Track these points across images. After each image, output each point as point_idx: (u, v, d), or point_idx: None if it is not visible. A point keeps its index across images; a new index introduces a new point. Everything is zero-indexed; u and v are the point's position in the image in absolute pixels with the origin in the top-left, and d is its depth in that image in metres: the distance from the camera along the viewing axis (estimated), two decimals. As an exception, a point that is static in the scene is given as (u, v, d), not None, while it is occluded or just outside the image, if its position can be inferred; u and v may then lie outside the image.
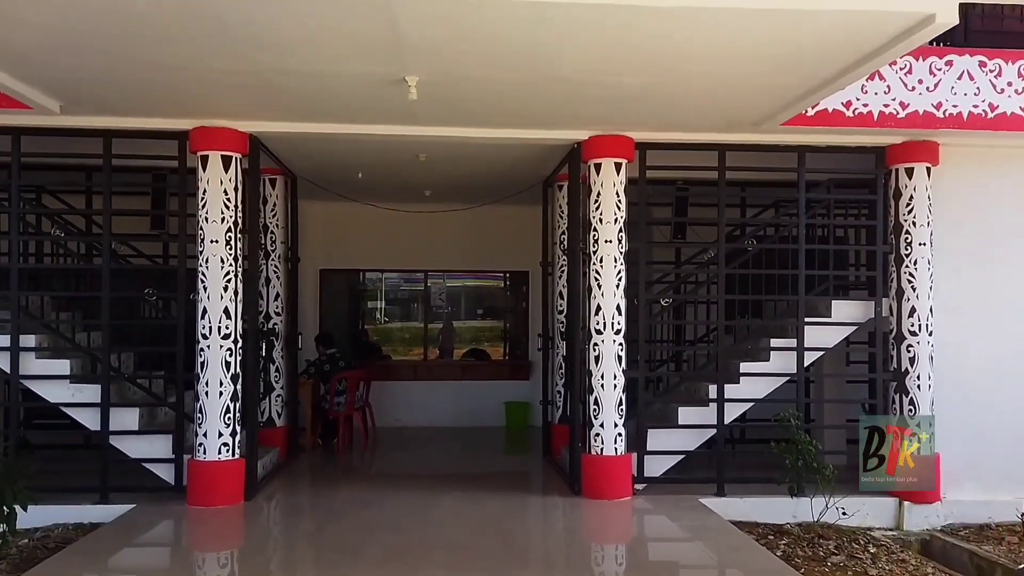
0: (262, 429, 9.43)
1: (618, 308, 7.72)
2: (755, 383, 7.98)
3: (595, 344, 7.71)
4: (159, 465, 7.56)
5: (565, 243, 9.80)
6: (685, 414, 7.99)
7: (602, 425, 7.65)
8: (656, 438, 7.86)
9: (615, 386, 7.67)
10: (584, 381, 7.89)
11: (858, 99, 7.48)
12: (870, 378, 9.00)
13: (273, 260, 9.67)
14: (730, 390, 7.89)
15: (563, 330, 9.78)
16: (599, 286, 7.73)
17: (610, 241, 7.73)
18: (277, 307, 9.65)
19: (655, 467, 7.84)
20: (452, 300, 16.44)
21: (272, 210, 9.72)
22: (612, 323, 7.68)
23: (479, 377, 12.50)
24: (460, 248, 12.49)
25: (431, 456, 10.69)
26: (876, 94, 7.49)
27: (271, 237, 9.68)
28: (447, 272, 12.88)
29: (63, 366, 7.61)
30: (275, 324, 9.59)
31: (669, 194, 9.50)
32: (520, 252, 12.42)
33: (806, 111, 7.28)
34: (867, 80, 7.40)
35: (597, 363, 7.69)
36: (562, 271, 9.85)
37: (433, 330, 14.42)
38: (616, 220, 7.76)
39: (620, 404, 7.68)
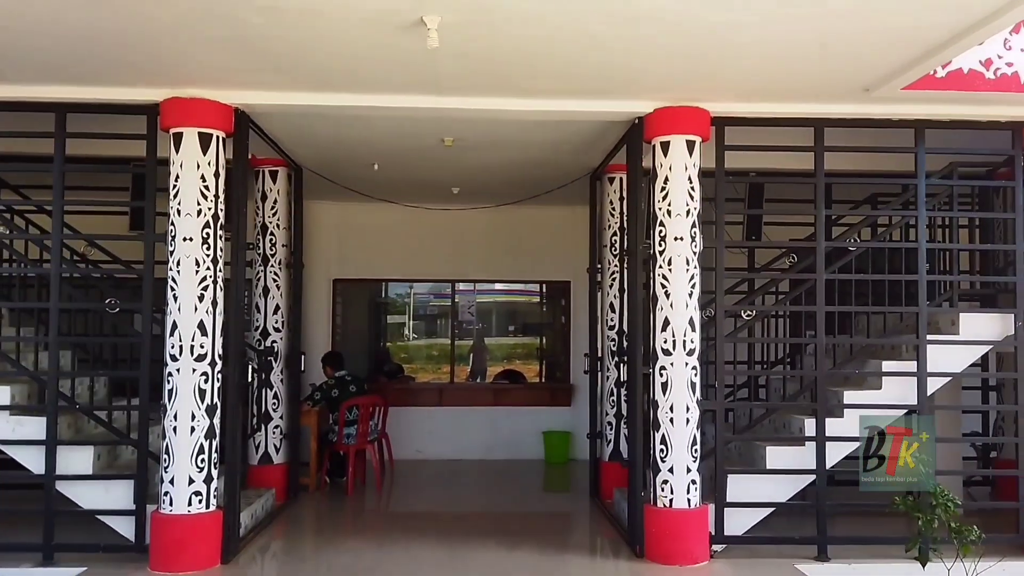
0: (256, 467, 7.94)
1: (691, 323, 6.08)
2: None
3: (662, 368, 6.08)
4: (118, 518, 6.02)
5: (617, 245, 8.23)
6: (775, 456, 6.31)
7: (671, 470, 5.99)
8: (738, 486, 6.18)
9: (687, 420, 6.02)
10: (647, 413, 6.24)
11: (1000, 56, 5.82)
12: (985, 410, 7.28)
13: (273, 266, 8.16)
14: (832, 426, 6.20)
15: (615, 349, 8.16)
16: (666, 295, 6.10)
17: (681, 239, 6.10)
18: (277, 322, 8.12)
19: (737, 523, 6.15)
20: (483, 316, 14.89)
21: (272, 208, 8.22)
22: (684, 341, 6.04)
23: (514, 403, 10.86)
24: (492, 256, 10.91)
25: (457, 496, 9.06)
26: (1024, 50, 5.84)
27: (271, 240, 8.17)
28: (477, 283, 11.23)
29: (3, 394, 6.10)
30: (274, 342, 8.07)
31: (738, 187, 7.86)
32: (560, 260, 10.83)
33: (935, 71, 5.64)
34: (1010, 32, 5.76)
35: (664, 391, 6.05)
36: (613, 279, 8.26)
37: (462, 348, 12.86)
38: (688, 213, 6.13)
39: (694, 443, 6.03)
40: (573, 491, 9.45)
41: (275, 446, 8.02)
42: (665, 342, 6.07)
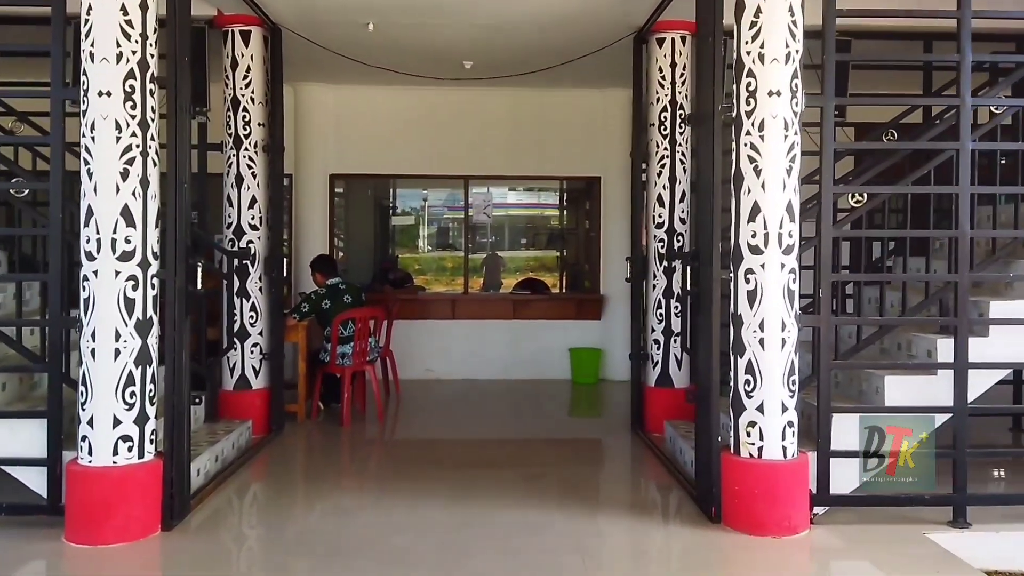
0: (231, 393, 6.33)
1: (789, 209, 4.29)
2: (1016, 336, 4.55)
3: (748, 272, 4.31)
4: (25, 469, 4.40)
5: (668, 124, 6.41)
6: (897, 387, 4.55)
7: (760, 408, 4.27)
8: (846, 428, 4.47)
9: (783, 341, 4.27)
10: (730, 332, 4.50)
11: None
12: None
13: (247, 150, 6.36)
14: (974, 347, 4.46)
15: (664, 252, 6.41)
16: (756, 172, 4.29)
17: (777, 93, 4.25)
18: (253, 218, 6.36)
19: (844, 479, 4.46)
20: (497, 231, 13.16)
21: (245, 78, 6.37)
22: (780, 235, 4.26)
23: (536, 316, 9.15)
24: (511, 150, 9.04)
25: (471, 426, 7.38)
26: None
27: (243, 117, 6.35)
28: (494, 180, 9.39)
29: None
30: (250, 242, 6.33)
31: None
32: (590, 153, 9.02)
33: None
34: None
35: (752, 303, 4.29)
36: (662, 166, 6.46)
37: (475, 260, 11.14)
38: (789, 58, 4.26)
39: (791, 372, 4.32)
40: (606, 417, 7.82)
41: (253, 368, 6.37)
42: (753, 236, 4.29)
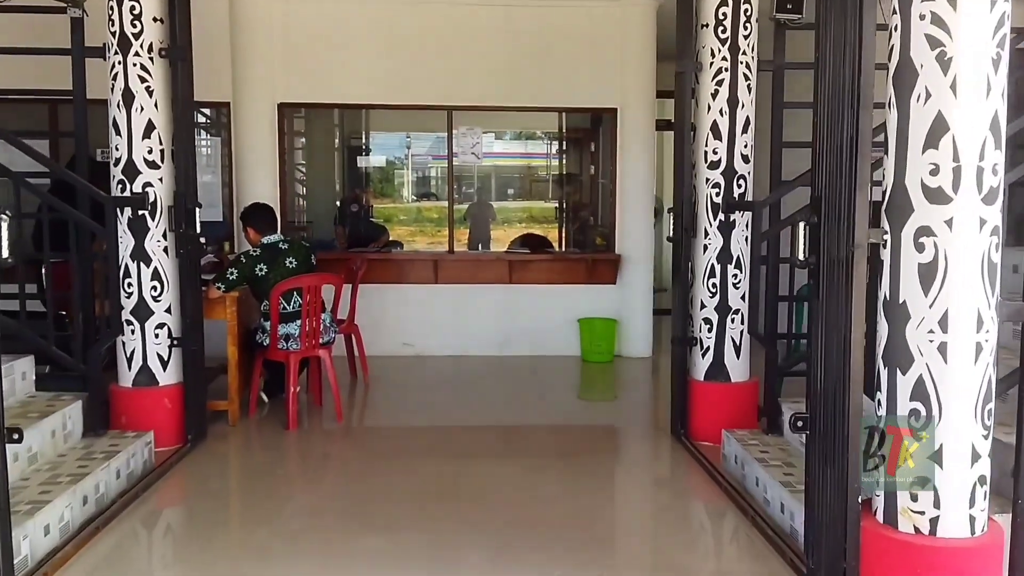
0: (129, 391, 4.54)
1: (996, 129, 2.49)
2: None
3: (921, 232, 2.52)
4: None
5: (728, 24, 4.56)
6: None
7: (936, 456, 2.53)
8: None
9: (979, 349, 2.51)
10: (878, 331, 2.72)
11: None
12: None
13: (139, 55, 4.44)
14: None
15: (721, 199, 4.61)
16: (941, 62, 2.47)
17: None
18: (151, 151, 4.48)
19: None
20: (483, 179, 11.33)
21: (138, -43, 4.43)
22: (981, 172, 2.47)
23: (537, 279, 7.32)
24: (505, 76, 7.12)
25: (457, 414, 5.69)
26: None
27: (131, 9, 4.42)
28: (483, 110, 7.44)
29: None
30: (147, 185, 4.46)
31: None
32: (602, 79, 7.12)
33: None
34: None
35: (929, 284, 2.51)
36: (718, 83, 4.62)
37: (460, 211, 9.30)
38: None
39: (987, 400, 2.56)
40: (626, 408, 6.10)
41: (160, 357, 4.56)
42: (933, 173, 2.49)
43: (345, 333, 6.15)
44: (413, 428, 5.50)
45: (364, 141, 10.12)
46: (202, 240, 4.76)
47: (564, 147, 10.16)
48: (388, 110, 8.04)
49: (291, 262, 5.18)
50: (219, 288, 5.00)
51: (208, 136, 7.42)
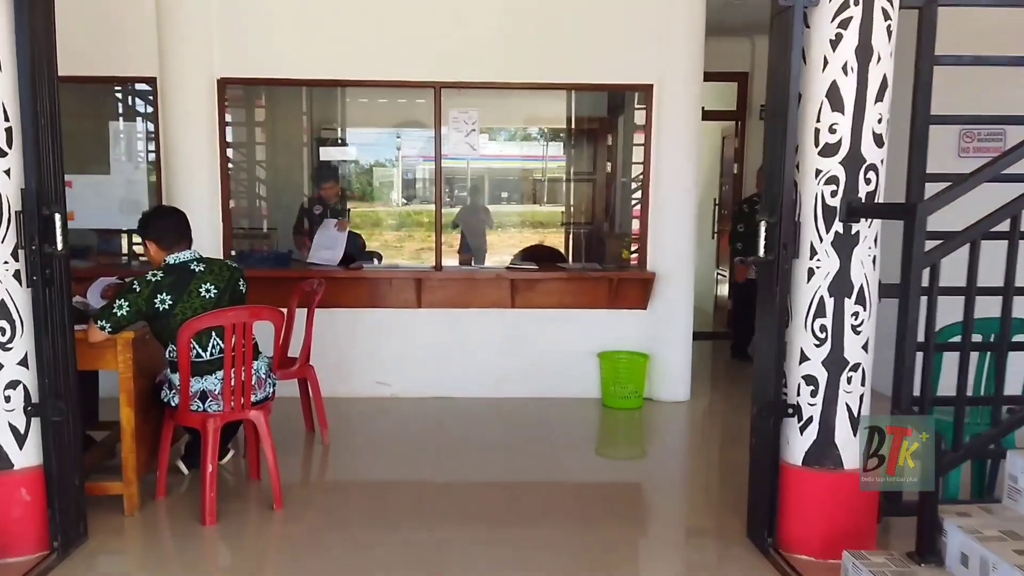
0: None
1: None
2: None
3: None
4: None
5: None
6: None
7: None
8: None
9: None
10: None
11: None
12: None
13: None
14: None
15: (841, 200, 3.03)
16: None
17: None
18: (-20, 126, 2.89)
19: None
20: (476, 181, 9.85)
21: None
22: None
23: (547, 302, 5.69)
24: (505, 41, 5.56)
25: (432, 502, 3.99)
26: None
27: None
28: (480, 87, 5.81)
29: None
30: (-25, 178, 2.86)
31: None
32: (633, 47, 5.56)
33: None
34: None
35: None
36: (844, 23, 3.02)
37: (449, 216, 7.75)
38: None
39: None
40: (661, 472, 4.53)
41: (13, 429, 2.99)
42: None
43: (298, 377, 4.56)
44: (381, 498, 3.93)
45: (340, 133, 8.52)
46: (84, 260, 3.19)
47: (572, 140, 8.60)
48: (360, 87, 6.44)
49: (208, 290, 3.55)
50: (103, 328, 3.39)
51: (143, 121, 5.83)
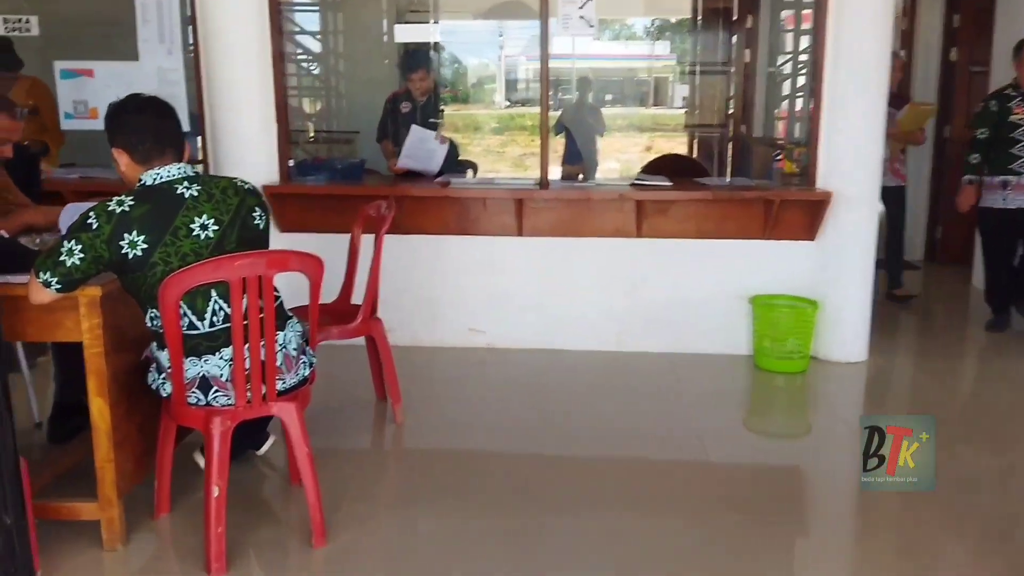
0: None
1: None
2: None
3: None
4: None
5: None
6: None
7: None
8: None
9: None
10: None
11: None
12: None
13: None
14: None
15: None
16: None
17: None
18: None
19: None
20: (581, 82, 8.26)
21: None
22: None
23: (683, 230, 4.28)
24: None
25: (544, 444, 2.95)
26: None
27: None
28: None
29: None
30: None
31: None
32: None
33: None
34: None
35: None
36: None
37: (553, 119, 6.23)
38: None
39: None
40: (834, 478, 3.13)
41: None
42: None
43: (361, 335, 3.32)
44: (471, 474, 2.97)
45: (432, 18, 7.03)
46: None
47: (699, 26, 6.89)
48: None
49: (204, 226, 2.27)
50: (47, 284, 2.19)
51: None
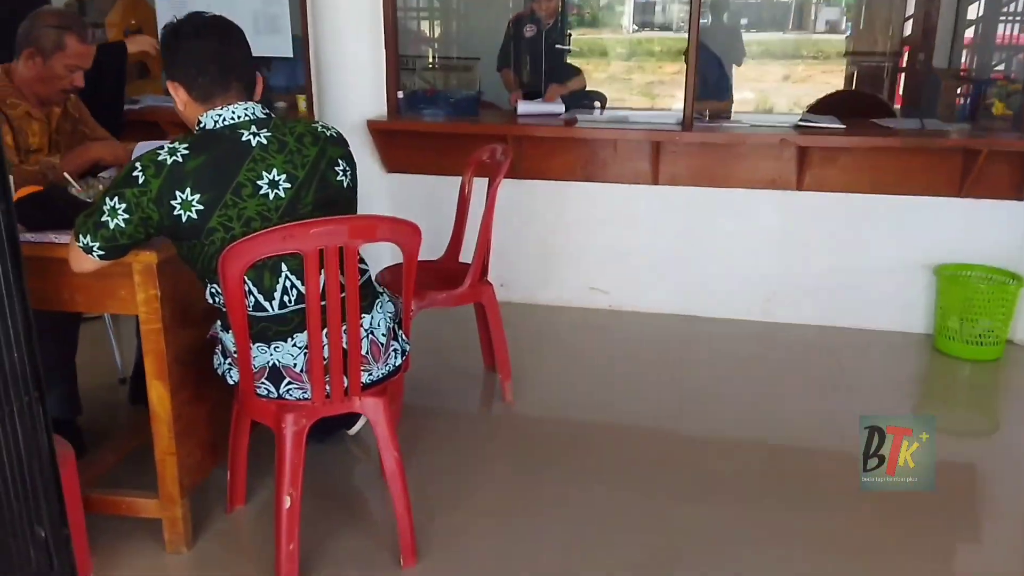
0: None
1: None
2: None
3: None
4: None
5: None
6: None
7: None
8: None
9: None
10: None
11: None
12: None
13: None
14: None
15: None
16: None
17: None
18: None
19: None
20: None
21: None
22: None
23: (855, 183, 3.54)
24: None
25: (670, 466, 2.40)
26: None
27: None
28: None
29: None
30: None
31: None
32: None
33: None
34: None
35: None
36: None
37: (673, 43, 5.41)
38: None
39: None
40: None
41: None
42: None
43: (471, 302, 2.84)
44: (592, 452, 2.53)
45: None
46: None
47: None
48: None
49: (274, 182, 1.79)
50: (89, 250, 1.79)
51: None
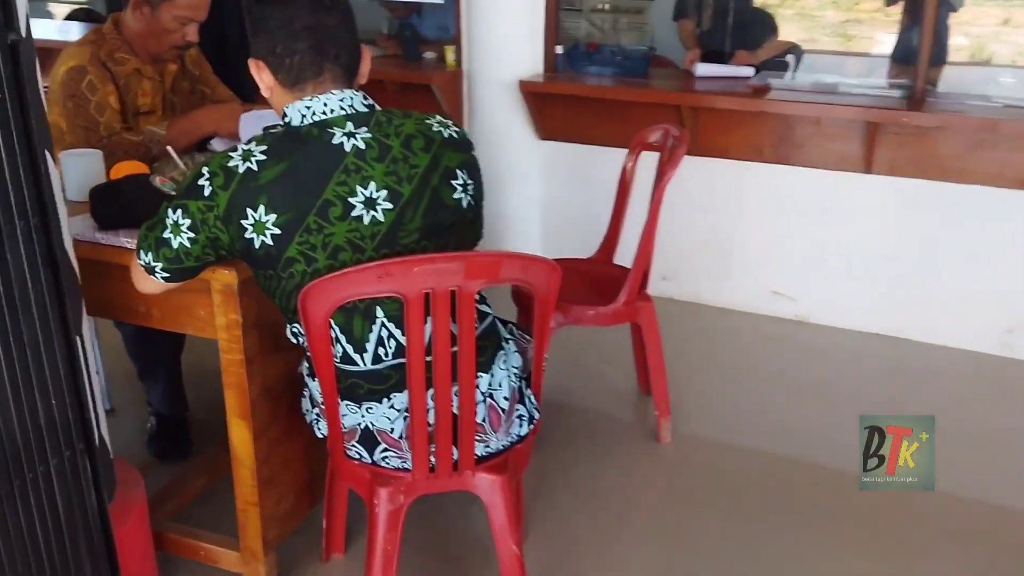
0: None
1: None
2: None
3: None
4: None
5: None
6: None
7: None
8: None
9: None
10: None
11: None
12: None
13: None
14: None
15: None
16: None
17: None
18: None
19: None
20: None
21: None
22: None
23: None
24: None
25: (866, 517, 1.93)
26: None
27: None
28: None
29: None
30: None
31: None
32: None
33: None
34: None
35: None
36: None
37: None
38: None
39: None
40: None
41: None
42: None
43: (627, 322, 2.33)
44: (766, 492, 1.99)
45: None
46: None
47: None
48: None
49: (371, 201, 1.33)
50: (151, 270, 1.41)
51: None
